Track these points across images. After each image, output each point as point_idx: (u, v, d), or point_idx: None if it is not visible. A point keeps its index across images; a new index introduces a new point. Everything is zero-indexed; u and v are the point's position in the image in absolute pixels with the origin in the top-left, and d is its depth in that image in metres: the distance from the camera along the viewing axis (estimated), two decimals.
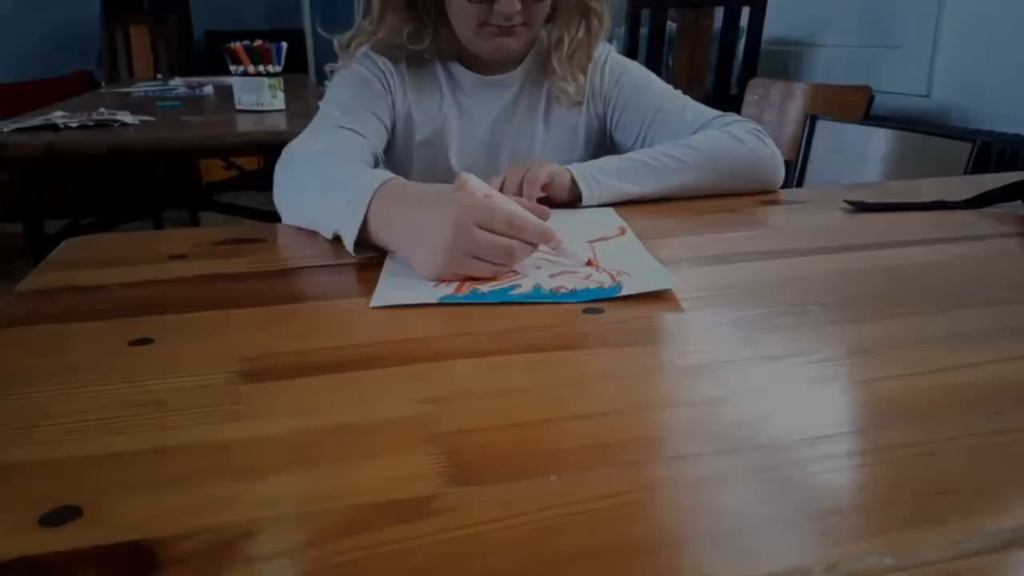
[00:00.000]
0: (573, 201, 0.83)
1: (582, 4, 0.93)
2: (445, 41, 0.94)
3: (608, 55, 1.00)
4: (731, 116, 0.93)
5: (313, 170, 0.77)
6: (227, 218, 2.89)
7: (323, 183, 0.74)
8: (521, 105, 0.98)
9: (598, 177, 0.83)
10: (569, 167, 0.83)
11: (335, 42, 0.96)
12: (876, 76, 2.29)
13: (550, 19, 0.94)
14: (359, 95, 0.92)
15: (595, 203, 0.83)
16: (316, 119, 0.90)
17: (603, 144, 1.02)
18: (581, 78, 0.96)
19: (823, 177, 1.58)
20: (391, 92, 0.94)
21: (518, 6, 0.85)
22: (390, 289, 0.60)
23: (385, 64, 0.94)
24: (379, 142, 0.92)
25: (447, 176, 0.92)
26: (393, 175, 0.67)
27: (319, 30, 0.97)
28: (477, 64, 0.96)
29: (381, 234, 0.65)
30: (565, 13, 0.94)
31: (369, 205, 0.64)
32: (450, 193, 0.62)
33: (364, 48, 0.95)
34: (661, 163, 0.86)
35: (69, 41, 4.17)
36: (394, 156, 0.97)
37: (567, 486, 0.35)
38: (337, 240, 0.69)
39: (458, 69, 0.96)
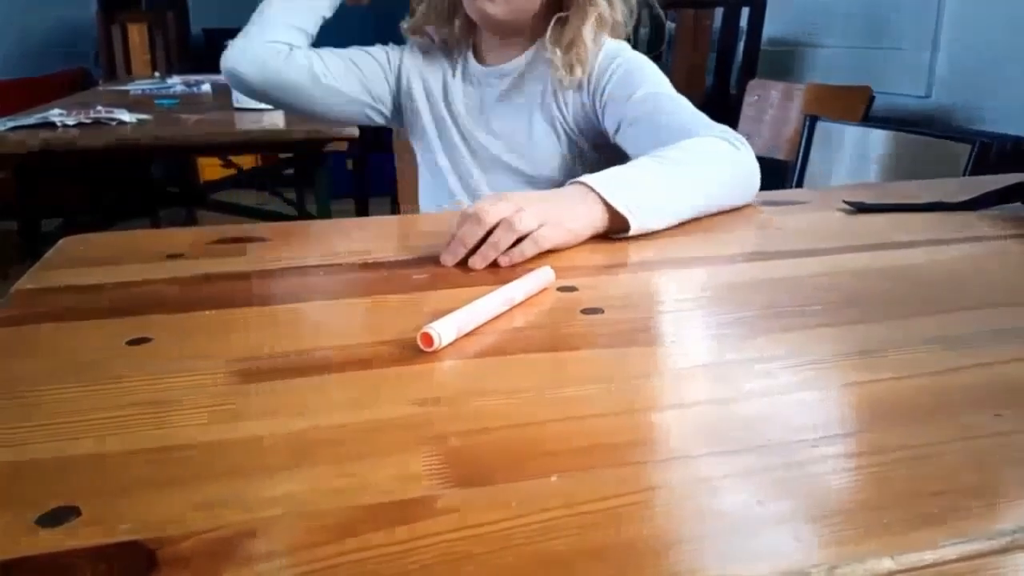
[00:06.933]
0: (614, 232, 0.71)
1: None
2: (460, 29, 1.03)
3: (606, 47, 0.97)
4: (720, 126, 0.87)
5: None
6: (225, 217, 2.89)
7: None
8: (517, 93, 1.01)
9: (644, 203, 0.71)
10: (593, 185, 0.70)
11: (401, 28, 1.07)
12: (876, 77, 2.29)
13: (561, 10, 0.95)
14: (357, 52, 1.05)
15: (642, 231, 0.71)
16: None
17: (594, 137, 0.99)
18: (579, 70, 0.95)
19: (822, 178, 1.58)
20: (392, 71, 1.06)
21: None
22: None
23: (397, 50, 1.06)
24: (369, 77, 1.04)
25: (459, 146, 1.04)
26: None
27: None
28: (483, 53, 1.03)
29: None
30: (573, 6, 0.94)
31: None
32: None
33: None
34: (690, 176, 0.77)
35: (66, 39, 4.15)
36: (415, 135, 1.10)
37: (567, 487, 0.35)
38: None
39: (469, 58, 1.04)
